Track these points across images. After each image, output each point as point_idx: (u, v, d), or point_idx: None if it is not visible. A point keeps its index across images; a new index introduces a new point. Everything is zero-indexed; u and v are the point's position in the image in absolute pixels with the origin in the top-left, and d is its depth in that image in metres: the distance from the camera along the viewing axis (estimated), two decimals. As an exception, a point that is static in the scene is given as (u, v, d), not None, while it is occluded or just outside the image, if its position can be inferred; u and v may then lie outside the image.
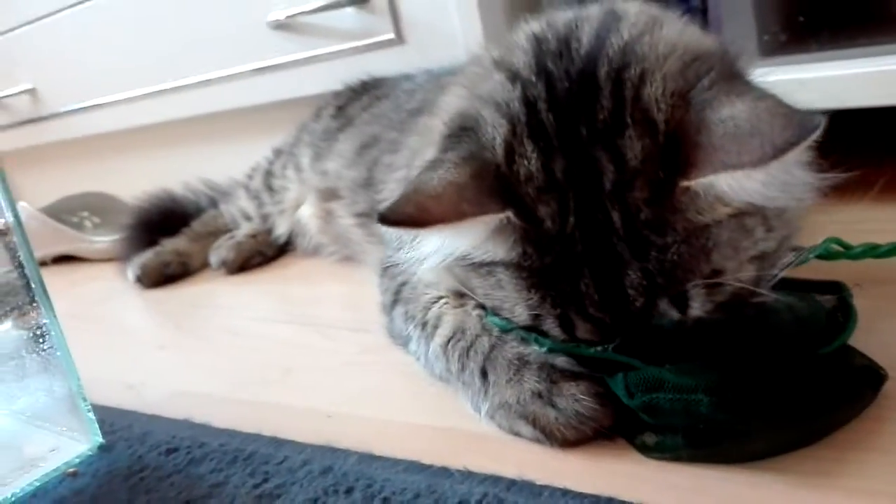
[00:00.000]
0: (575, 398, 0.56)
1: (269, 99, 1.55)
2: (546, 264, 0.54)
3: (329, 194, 1.17)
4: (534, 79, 0.58)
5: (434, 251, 0.57)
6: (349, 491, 0.57)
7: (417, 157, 0.76)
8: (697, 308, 0.52)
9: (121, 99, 1.80)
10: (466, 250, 0.56)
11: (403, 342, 0.77)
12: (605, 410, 0.56)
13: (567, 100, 0.55)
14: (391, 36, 1.35)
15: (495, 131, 0.56)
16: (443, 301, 0.71)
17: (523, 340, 0.61)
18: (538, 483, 0.54)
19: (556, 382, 0.58)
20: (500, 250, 0.56)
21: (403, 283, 0.79)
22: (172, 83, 1.69)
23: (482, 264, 0.59)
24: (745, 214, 0.52)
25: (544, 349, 0.60)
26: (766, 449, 0.52)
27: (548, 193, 0.54)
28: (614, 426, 0.57)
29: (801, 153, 0.48)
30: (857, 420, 0.53)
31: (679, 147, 0.51)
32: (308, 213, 1.24)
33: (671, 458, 0.54)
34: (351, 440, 0.64)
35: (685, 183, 0.50)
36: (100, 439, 0.73)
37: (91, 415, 0.73)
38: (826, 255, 0.71)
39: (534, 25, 0.64)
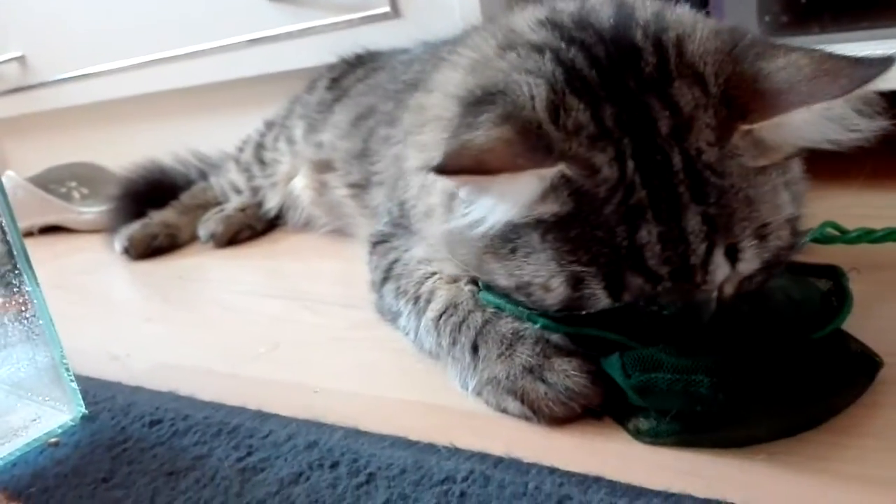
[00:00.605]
0: (566, 374, 0.56)
1: (263, 71, 1.53)
2: (604, 215, 0.51)
3: (323, 166, 1.15)
4: (564, 45, 0.57)
5: (486, 214, 0.54)
6: (334, 465, 0.56)
7: (410, 136, 0.74)
8: (747, 262, 0.52)
9: (112, 68, 1.77)
10: (518, 211, 0.53)
11: (392, 318, 0.76)
12: (595, 389, 0.56)
13: (608, 58, 0.55)
14: (387, 9, 1.33)
15: (532, 90, 0.54)
16: (436, 276, 0.70)
17: (517, 319, 0.61)
18: (526, 461, 0.53)
19: (548, 357, 0.57)
20: (550, 208, 0.52)
21: (395, 261, 0.78)
22: (165, 53, 1.67)
23: (508, 240, 0.56)
24: (779, 173, 0.53)
25: (538, 325, 0.59)
26: (763, 434, 0.51)
27: (602, 141, 0.52)
28: (605, 408, 0.56)
29: (861, 94, 0.48)
30: (853, 406, 0.53)
31: (734, 96, 0.51)
32: (301, 184, 1.22)
33: (666, 442, 0.53)
34: (337, 415, 0.64)
35: (746, 126, 0.51)
36: (83, 409, 0.72)
37: (74, 385, 0.71)
38: (822, 238, 0.71)
39: (535, 12, 0.63)
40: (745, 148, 0.51)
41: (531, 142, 0.51)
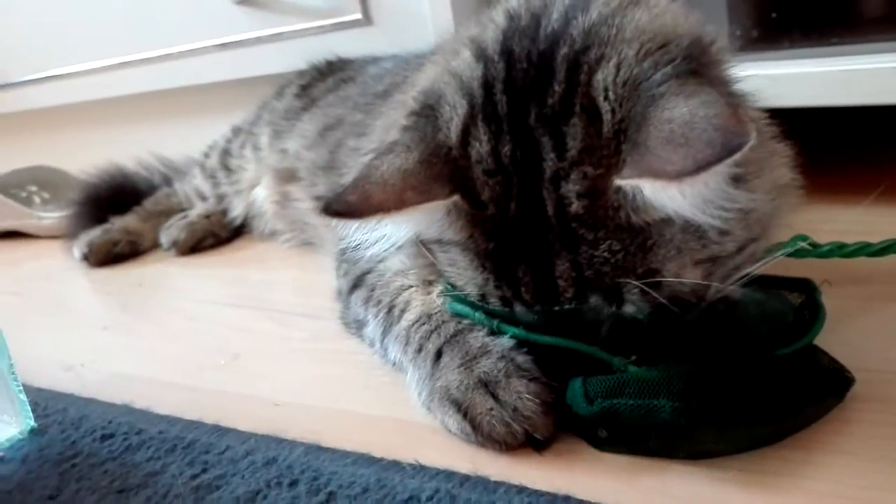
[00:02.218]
0: (519, 395, 0.54)
1: (231, 76, 1.51)
2: (490, 248, 0.53)
3: (287, 175, 1.13)
4: (496, 58, 0.56)
5: (382, 237, 0.55)
6: (293, 483, 0.54)
7: (389, 134, 0.73)
8: (632, 306, 0.50)
9: (78, 71, 1.73)
10: (417, 233, 0.55)
11: (358, 327, 0.74)
12: (544, 419, 0.54)
13: (522, 82, 0.53)
14: (358, 16, 1.32)
15: (453, 112, 0.55)
16: (413, 289, 0.69)
17: (491, 333, 0.59)
18: (493, 479, 0.51)
19: (508, 376, 0.55)
20: (450, 232, 0.54)
21: (368, 271, 0.76)
22: (132, 56, 1.64)
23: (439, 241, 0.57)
24: (686, 225, 0.49)
25: (508, 335, 0.58)
26: (729, 448, 0.50)
27: (493, 177, 0.53)
28: (565, 423, 0.55)
29: (721, 172, 0.44)
30: (824, 421, 0.52)
31: (620, 142, 0.48)
32: (263, 195, 1.20)
33: (626, 451, 0.52)
34: (298, 430, 0.61)
35: (618, 181, 0.48)
36: (31, 422, 0.69)
37: (23, 396, 0.68)
38: (794, 253, 0.70)
39: (513, 1, 0.61)
40: (620, 202, 0.48)
41: (433, 170, 0.53)
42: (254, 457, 0.58)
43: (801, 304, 0.58)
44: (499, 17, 0.60)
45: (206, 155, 1.34)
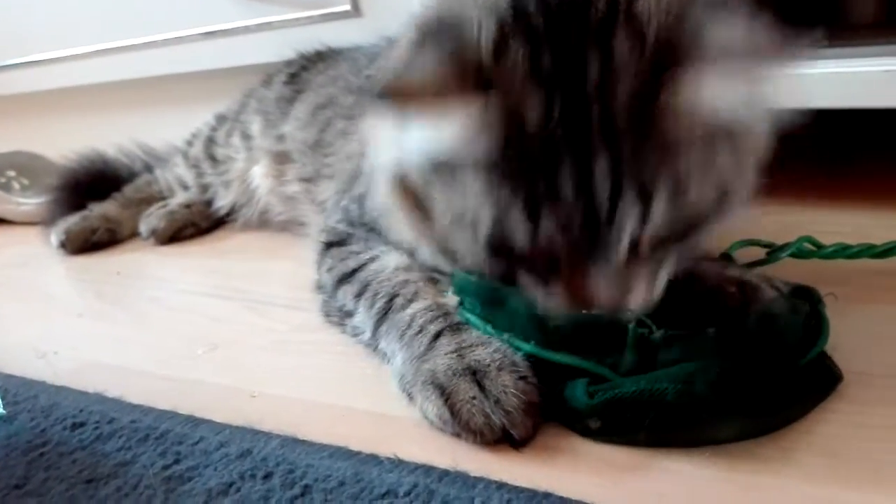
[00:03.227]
0: (505, 389, 0.53)
1: (217, 65, 1.49)
2: (528, 155, 0.52)
3: (282, 157, 1.12)
4: None
5: (417, 145, 0.54)
6: (267, 476, 0.53)
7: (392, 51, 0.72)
8: (659, 211, 0.51)
9: (60, 56, 1.71)
10: (448, 146, 0.53)
11: (341, 317, 0.74)
12: (525, 419, 0.53)
13: (559, 5, 0.53)
14: (347, 7, 1.30)
15: (482, 27, 0.53)
16: (420, 283, 0.69)
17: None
18: (473, 475, 0.50)
19: (500, 369, 0.55)
20: (481, 145, 0.52)
21: (358, 269, 0.75)
22: (117, 43, 1.61)
23: (449, 167, 0.55)
24: (715, 141, 0.52)
25: (521, 352, 0.57)
26: (720, 436, 0.50)
27: (534, 86, 0.51)
28: (554, 415, 0.55)
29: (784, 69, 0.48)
30: (806, 422, 0.52)
31: (671, 55, 0.50)
32: (261, 172, 1.17)
33: (617, 442, 0.52)
34: (275, 422, 0.60)
35: (672, 87, 0.49)
36: (0, 410, 0.67)
37: (-9, 383, 0.67)
38: (799, 253, 0.71)
39: None
40: (666, 107, 0.50)
41: (469, 83, 0.51)
42: (228, 448, 0.57)
43: (807, 314, 0.58)
44: None
45: (189, 143, 1.31)
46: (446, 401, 0.54)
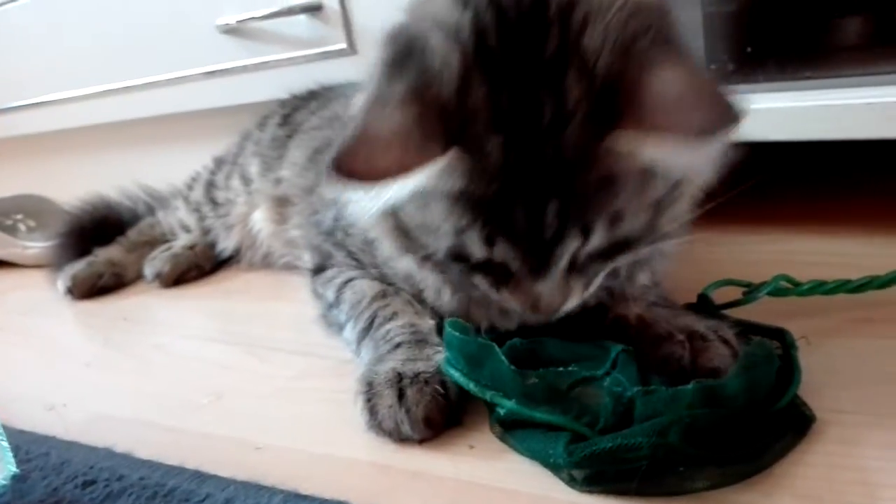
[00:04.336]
0: (417, 401, 0.62)
1: (216, 104, 1.51)
2: (485, 193, 0.55)
3: (282, 201, 1.14)
4: (484, 6, 0.56)
5: (386, 199, 0.56)
6: (271, 534, 0.54)
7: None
8: (597, 239, 0.56)
9: (64, 98, 1.73)
10: (414, 188, 0.55)
11: (338, 329, 0.83)
12: (425, 430, 0.63)
13: (517, 33, 0.55)
14: (343, 46, 1.33)
15: (446, 61, 0.55)
16: (398, 305, 0.77)
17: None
18: (468, 530, 0.52)
19: (427, 383, 0.63)
20: (447, 182, 0.55)
21: (347, 281, 0.83)
22: (117, 84, 1.64)
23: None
24: (651, 177, 0.55)
25: (504, 411, 0.60)
26: (699, 486, 0.52)
27: (494, 127, 0.54)
28: (543, 461, 0.57)
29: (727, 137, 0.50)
30: (787, 464, 0.53)
31: (616, 96, 0.52)
32: (261, 217, 1.20)
33: (600, 491, 0.53)
34: (278, 476, 0.62)
35: (616, 132, 0.52)
36: (14, 469, 0.68)
37: (5, 444, 0.68)
38: (775, 292, 0.72)
39: None
40: (610, 150, 0.52)
41: (430, 127, 0.53)
42: (233, 505, 0.58)
43: (779, 356, 0.60)
44: None
45: (190, 187, 1.34)
46: (368, 401, 0.64)
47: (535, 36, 0.54)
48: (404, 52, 0.57)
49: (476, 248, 0.58)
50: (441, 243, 0.60)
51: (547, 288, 0.59)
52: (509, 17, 0.55)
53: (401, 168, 0.52)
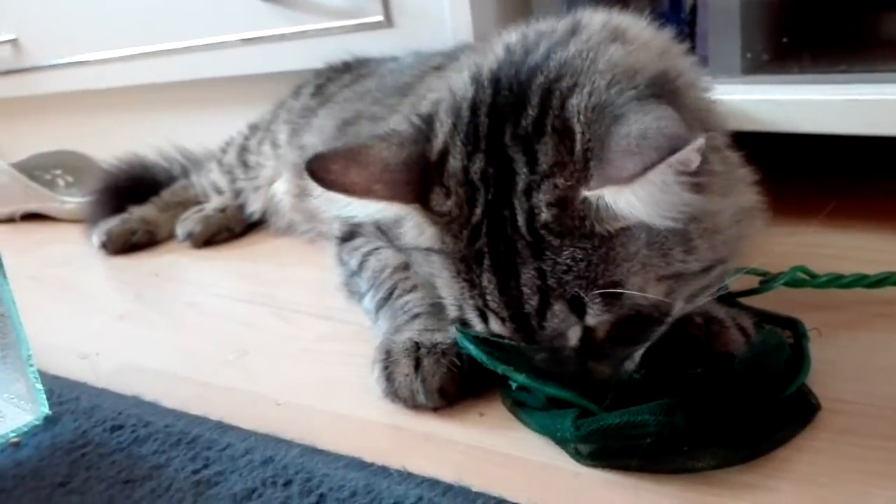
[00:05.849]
0: (433, 371, 0.64)
1: (253, 70, 1.53)
2: (461, 253, 0.57)
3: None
4: (486, 83, 0.60)
5: (347, 208, 0.60)
6: (287, 483, 0.57)
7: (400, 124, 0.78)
8: (594, 316, 0.54)
9: (105, 58, 1.77)
10: (383, 220, 0.62)
11: (359, 298, 0.84)
12: (439, 399, 0.65)
13: (503, 107, 0.58)
14: (380, 18, 1.33)
15: (441, 126, 0.60)
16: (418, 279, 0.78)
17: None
18: (474, 490, 0.54)
19: (445, 354, 0.65)
20: (423, 239, 0.60)
21: (370, 252, 0.85)
22: (158, 46, 1.66)
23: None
24: (660, 231, 0.53)
25: (515, 384, 0.61)
26: (703, 465, 0.53)
27: (460, 189, 0.57)
28: (551, 435, 0.58)
29: (668, 173, 0.48)
30: (793, 450, 0.54)
31: (588, 158, 0.53)
32: (282, 189, 1.22)
33: (606, 465, 0.55)
34: (297, 431, 0.64)
35: (584, 192, 0.52)
36: (46, 410, 0.72)
37: (39, 385, 0.72)
38: (792, 282, 0.72)
39: (513, 35, 0.65)
40: (585, 212, 0.52)
41: (408, 173, 0.58)
42: (252, 455, 0.61)
43: (791, 345, 0.61)
44: (498, 48, 0.64)
45: (224, 150, 1.37)
46: (386, 369, 0.66)
47: (517, 107, 0.57)
48: (427, 113, 0.63)
49: (475, 322, 0.60)
50: (449, 298, 0.62)
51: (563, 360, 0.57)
52: (502, 94, 0.58)
53: (365, 191, 0.57)
